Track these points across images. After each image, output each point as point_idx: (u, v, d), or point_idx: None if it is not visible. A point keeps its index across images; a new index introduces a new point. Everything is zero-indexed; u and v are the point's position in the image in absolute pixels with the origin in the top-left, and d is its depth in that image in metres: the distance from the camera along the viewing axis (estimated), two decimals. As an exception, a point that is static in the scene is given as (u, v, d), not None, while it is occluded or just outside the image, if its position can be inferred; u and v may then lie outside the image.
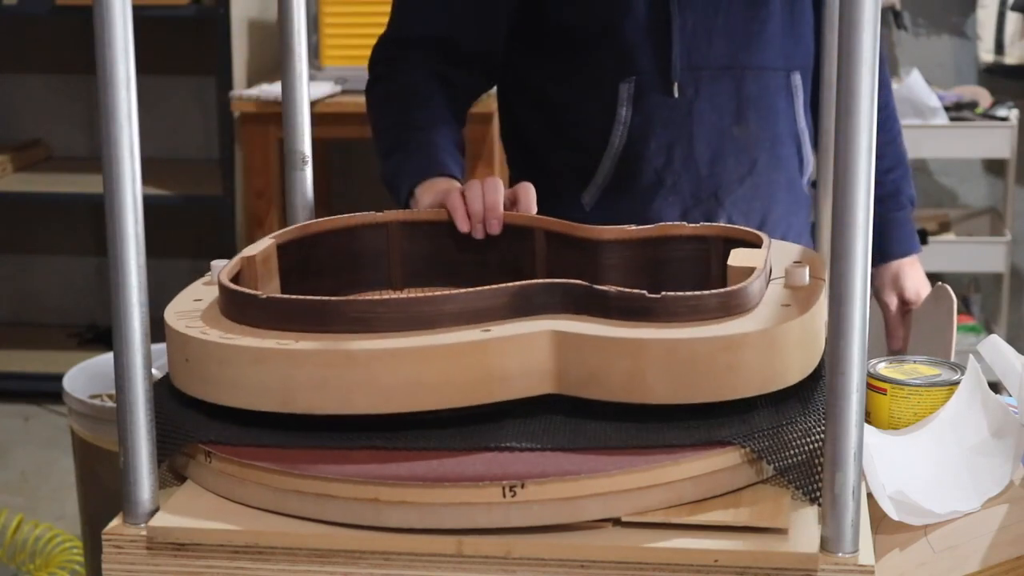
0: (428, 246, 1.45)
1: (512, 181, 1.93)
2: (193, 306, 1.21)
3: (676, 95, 1.75)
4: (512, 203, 1.50)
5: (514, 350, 1.09)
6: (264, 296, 1.15)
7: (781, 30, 1.79)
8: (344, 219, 1.42)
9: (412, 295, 1.14)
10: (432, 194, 1.58)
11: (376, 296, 1.14)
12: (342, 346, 1.09)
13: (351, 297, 1.14)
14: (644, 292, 1.12)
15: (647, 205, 1.78)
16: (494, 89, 1.94)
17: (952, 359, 1.63)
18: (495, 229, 1.45)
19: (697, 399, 1.09)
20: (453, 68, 1.78)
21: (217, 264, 1.27)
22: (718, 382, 1.09)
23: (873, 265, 1.94)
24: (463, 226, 1.45)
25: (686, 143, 1.76)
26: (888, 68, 2.04)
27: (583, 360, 1.10)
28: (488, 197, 1.46)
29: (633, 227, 1.36)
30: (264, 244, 1.32)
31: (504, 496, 1.03)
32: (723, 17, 1.75)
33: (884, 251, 1.94)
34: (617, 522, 1.06)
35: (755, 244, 1.28)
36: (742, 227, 1.36)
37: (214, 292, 1.23)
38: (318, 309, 1.12)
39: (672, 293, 1.12)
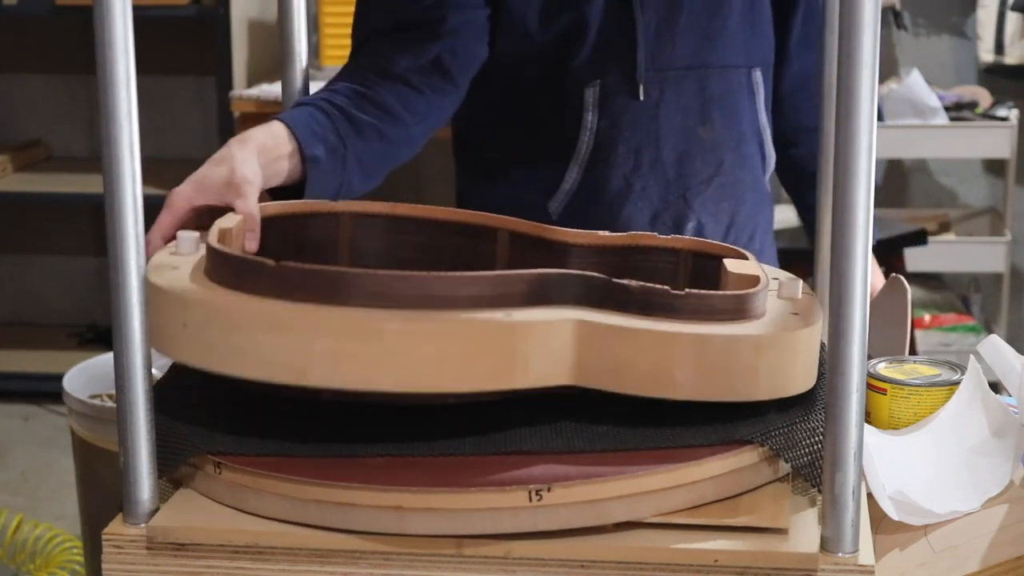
0: (380, 241, 1.39)
1: (465, 194, 1.86)
2: (173, 274, 1.14)
3: (642, 98, 1.71)
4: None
5: (537, 336, 1.07)
6: (274, 263, 1.08)
7: (741, 27, 1.76)
8: (298, 204, 1.37)
9: (431, 273, 1.08)
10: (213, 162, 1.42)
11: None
12: (370, 318, 1.04)
13: (367, 270, 1.07)
14: (667, 288, 1.11)
15: (617, 211, 1.73)
16: None
17: (907, 352, 1.62)
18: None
19: (720, 397, 1.09)
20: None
21: (184, 235, 1.21)
22: (741, 382, 1.09)
23: None
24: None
25: (653, 146, 1.72)
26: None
27: (608, 351, 1.08)
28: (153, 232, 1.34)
29: (604, 232, 1.35)
30: (235, 219, 1.27)
31: (531, 500, 1.03)
32: (685, 16, 1.71)
33: None
34: (618, 523, 1.06)
35: (730, 257, 1.28)
36: (715, 242, 1.35)
37: (189, 262, 1.17)
38: (336, 280, 1.06)
39: (695, 291, 1.12)
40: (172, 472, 1.12)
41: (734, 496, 1.08)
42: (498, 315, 1.07)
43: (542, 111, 1.74)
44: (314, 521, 1.06)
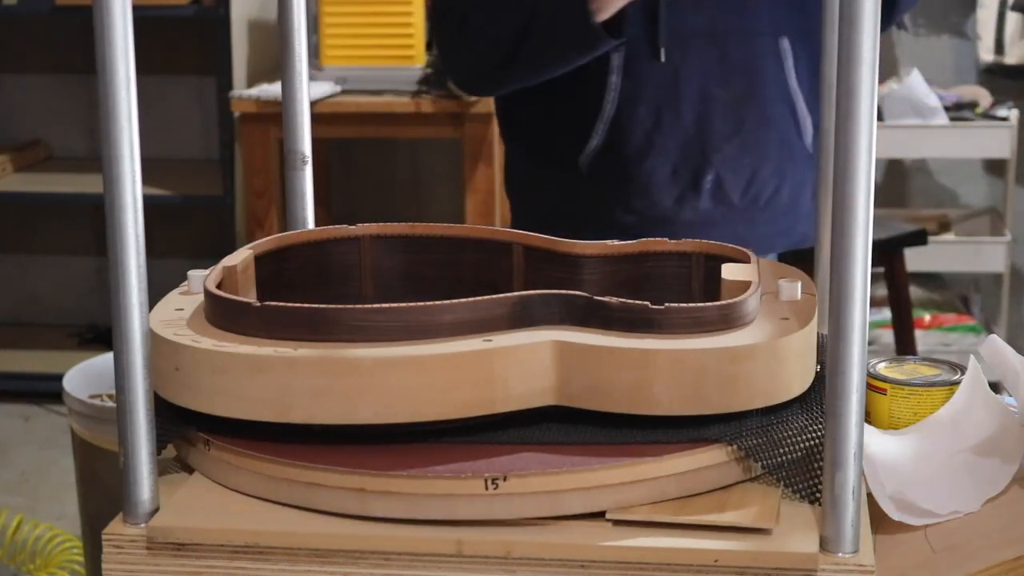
0: (400, 261, 1.43)
1: (509, 155, 2.09)
2: (176, 315, 1.19)
3: (663, 60, 1.87)
4: None
5: (516, 360, 1.09)
6: (258, 304, 1.13)
7: None
8: (317, 232, 1.41)
9: (409, 304, 1.12)
10: None
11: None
12: (345, 354, 1.08)
13: (347, 305, 1.13)
14: (647, 303, 1.12)
15: (639, 164, 1.89)
16: None
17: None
18: None
19: (702, 411, 1.09)
20: None
21: (194, 274, 1.25)
22: (724, 394, 1.09)
23: None
24: None
25: (674, 106, 1.88)
26: None
27: (587, 371, 1.09)
28: None
29: (614, 242, 1.35)
30: (243, 254, 1.30)
31: (487, 488, 1.04)
32: None
33: None
34: (618, 522, 1.06)
35: (738, 259, 1.28)
36: (724, 244, 1.35)
37: (194, 301, 1.22)
38: (315, 317, 1.11)
39: (676, 304, 1.12)
40: (164, 447, 1.14)
41: (702, 493, 1.08)
42: (478, 342, 1.09)
43: (570, 74, 1.89)
44: (284, 499, 1.08)
